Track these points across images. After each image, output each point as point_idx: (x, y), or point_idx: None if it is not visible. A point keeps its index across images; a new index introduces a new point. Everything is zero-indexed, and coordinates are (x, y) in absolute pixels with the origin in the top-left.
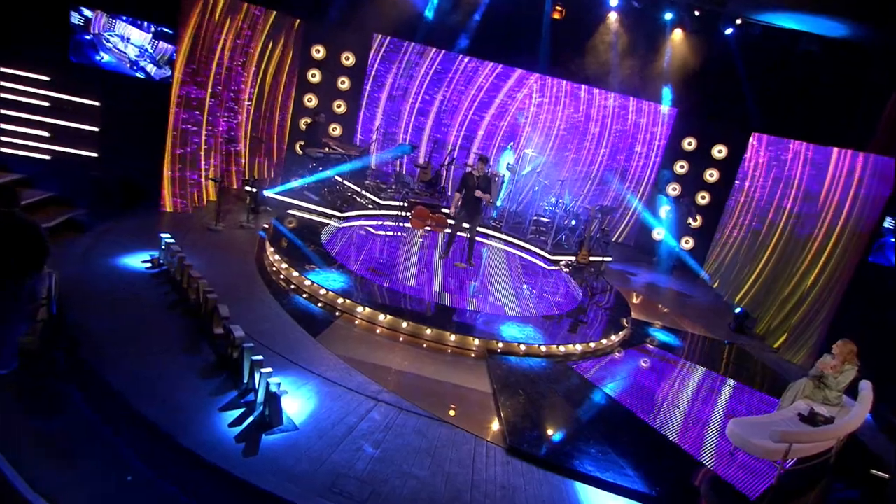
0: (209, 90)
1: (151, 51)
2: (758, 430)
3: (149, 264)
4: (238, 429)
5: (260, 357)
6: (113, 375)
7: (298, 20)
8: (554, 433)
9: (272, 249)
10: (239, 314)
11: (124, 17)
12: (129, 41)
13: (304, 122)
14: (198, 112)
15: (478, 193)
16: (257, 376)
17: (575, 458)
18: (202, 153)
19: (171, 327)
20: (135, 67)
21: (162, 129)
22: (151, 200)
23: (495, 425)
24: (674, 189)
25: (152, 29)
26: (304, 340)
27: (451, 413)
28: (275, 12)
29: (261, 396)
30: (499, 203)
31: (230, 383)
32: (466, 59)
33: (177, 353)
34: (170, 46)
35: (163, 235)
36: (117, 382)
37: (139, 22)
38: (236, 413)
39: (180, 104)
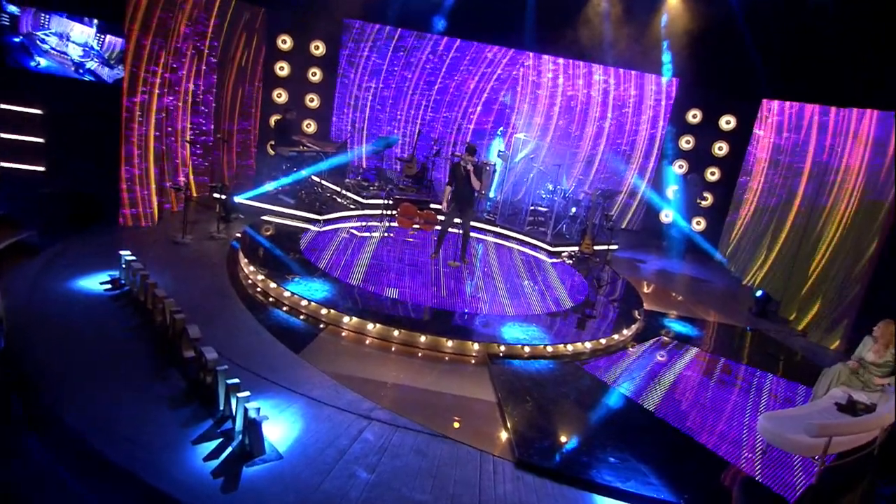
0: (164, 90)
1: (98, 47)
2: (792, 425)
3: (108, 286)
4: (215, 462)
5: (236, 380)
6: (70, 414)
7: (262, 10)
8: (567, 442)
9: (246, 260)
10: (212, 334)
11: (61, 13)
12: (69, 39)
13: (273, 120)
14: (156, 114)
15: (470, 168)
16: (234, 402)
17: (592, 467)
18: (164, 159)
19: (136, 354)
20: (81, 70)
21: (116, 136)
22: (109, 215)
23: (502, 437)
24: (680, 167)
25: (95, 21)
26: (286, 358)
27: (456, 426)
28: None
29: (239, 424)
30: (492, 194)
31: (204, 412)
32: (455, 42)
33: (142, 382)
34: (119, 39)
35: (123, 253)
36: (75, 421)
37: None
38: (212, 444)
39: (134, 106)
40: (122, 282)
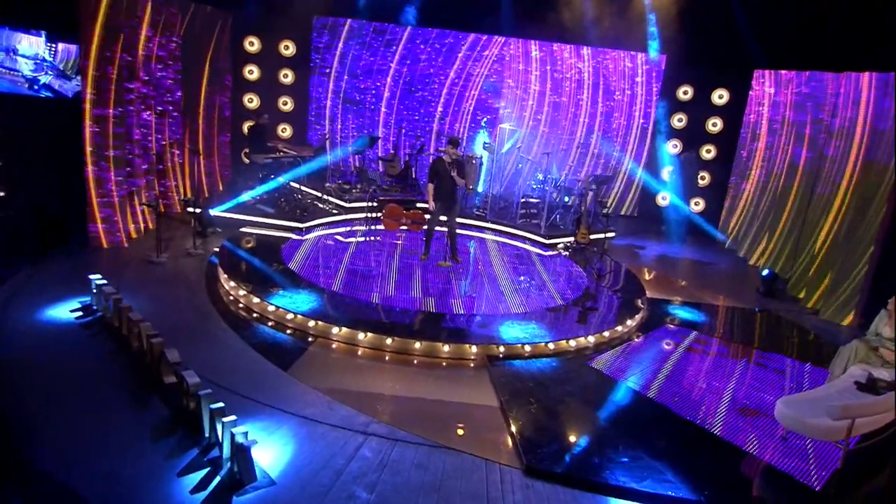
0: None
1: (51, 58)
2: (812, 408)
3: (79, 313)
4: (203, 494)
5: (221, 404)
6: (44, 455)
7: (226, 12)
8: (576, 443)
9: (226, 276)
10: (193, 356)
11: (1, 27)
12: (17, 53)
13: (246, 127)
14: (119, 127)
15: (453, 174)
16: (220, 427)
17: (605, 469)
18: (130, 175)
19: (113, 384)
20: (36, 87)
21: (80, 152)
22: (76, 237)
23: (508, 443)
24: (674, 146)
25: (44, 32)
26: (274, 376)
27: (459, 432)
28: (193, 4)
29: (226, 451)
30: (480, 189)
31: (189, 440)
32: (432, 33)
33: (122, 413)
34: (73, 46)
35: (93, 277)
36: (49, 463)
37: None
38: (199, 475)
39: (97, 120)
40: (94, 308)
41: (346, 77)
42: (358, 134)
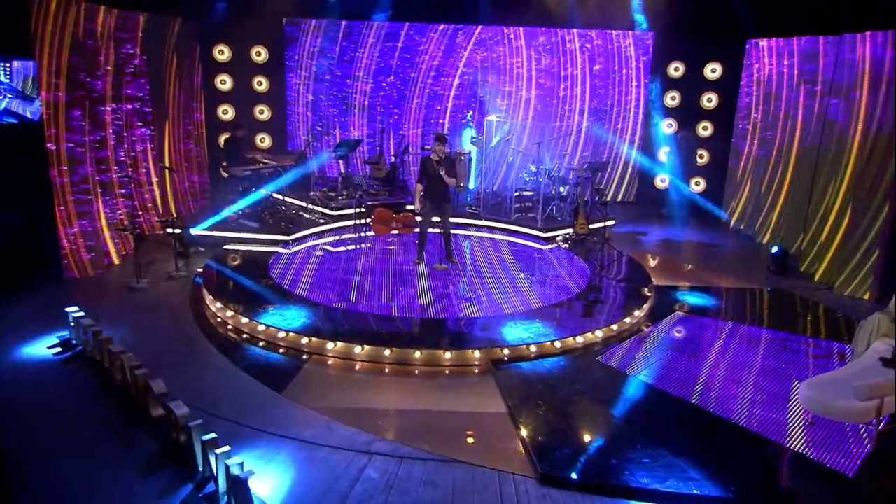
0: (94, 120)
1: (6, 79)
2: (837, 389)
3: (58, 349)
4: None
5: (213, 435)
6: (27, 501)
7: (192, 21)
8: (592, 445)
9: (211, 297)
10: (181, 385)
11: None
12: None
13: (222, 139)
14: (81, 149)
15: (442, 173)
16: (213, 460)
17: (624, 471)
18: (101, 198)
19: (97, 421)
20: None
21: (46, 177)
22: (49, 268)
23: (520, 451)
24: (669, 126)
25: None
26: (269, 399)
27: (469, 440)
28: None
29: (222, 485)
30: (471, 185)
31: (181, 476)
32: (405, 27)
33: (108, 451)
34: (30, 62)
35: (70, 310)
36: None
37: None
38: None
39: (59, 142)
40: (74, 342)
41: (323, 79)
42: (340, 138)
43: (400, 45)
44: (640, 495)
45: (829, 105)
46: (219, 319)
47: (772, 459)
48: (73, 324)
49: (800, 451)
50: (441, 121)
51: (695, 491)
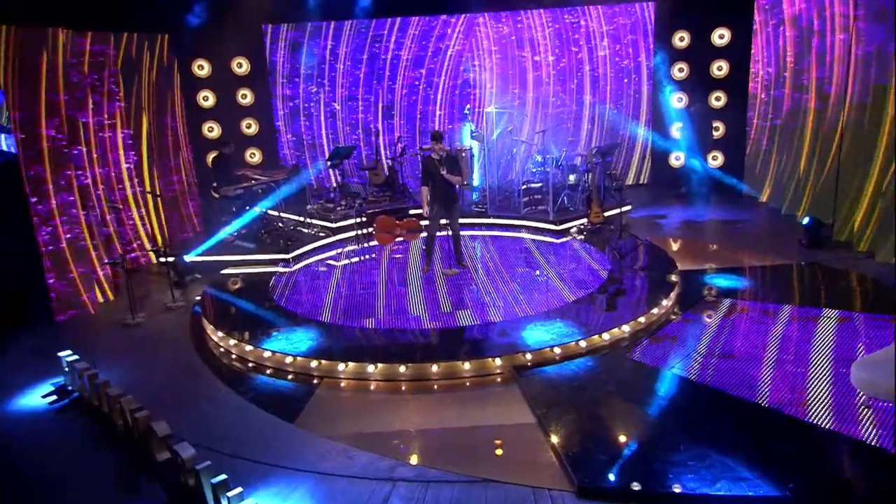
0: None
1: None
2: (890, 368)
3: (53, 397)
4: None
5: (223, 476)
6: None
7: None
8: (630, 451)
9: (212, 326)
10: (187, 424)
11: None
12: None
13: (209, 159)
14: (64, 180)
15: (443, 172)
16: (225, 503)
17: (669, 475)
18: (87, 231)
19: (100, 471)
20: None
21: (26, 213)
22: (37, 311)
23: (553, 463)
24: (679, 100)
25: None
26: (280, 430)
27: (498, 452)
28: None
29: None
30: (476, 182)
31: None
32: (389, 22)
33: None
34: None
35: (62, 354)
36: None
37: None
38: None
39: (37, 174)
40: (69, 388)
41: (309, 86)
42: (333, 146)
43: (384, 41)
44: (689, 501)
45: (860, 62)
46: (222, 349)
47: (830, 450)
48: (67, 369)
49: (860, 437)
50: (439, 113)
51: (749, 492)
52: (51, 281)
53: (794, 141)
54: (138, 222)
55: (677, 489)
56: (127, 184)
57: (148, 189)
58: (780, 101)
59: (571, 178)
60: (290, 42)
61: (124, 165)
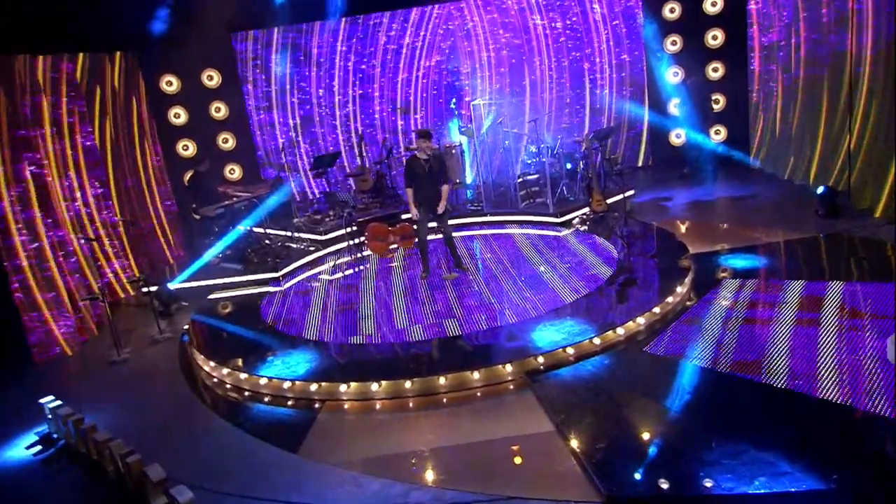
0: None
1: None
2: None
3: (38, 447)
4: None
5: None
6: None
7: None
8: (658, 452)
9: (203, 356)
10: (182, 464)
11: None
12: None
13: (186, 178)
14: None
15: (442, 189)
16: None
17: (702, 476)
18: (64, 266)
19: None
20: None
21: None
22: (13, 355)
23: (577, 473)
24: (675, 74)
25: None
26: (283, 462)
27: (517, 460)
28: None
29: None
30: (468, 180)
31: None
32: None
33: None
34: None
35: (45, 400)
36: None
37: None
38: None
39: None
40: (55, 436)
41: (285, 93)
42: (315, 154)
43: (360, 39)
44: (730, 502)
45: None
46: (215, 379)
47: (874, 435)
48: (50, 416)
49: None
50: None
51: (791, 488)
52: (26, 320)
53: (800, 105)
54: (108, 252)
55: (713, 490)
56: (95, 215)
57: (120, 217)
58: (783, 65)
59: (569, 165)
60: (261, 48)
61: (91, 195)
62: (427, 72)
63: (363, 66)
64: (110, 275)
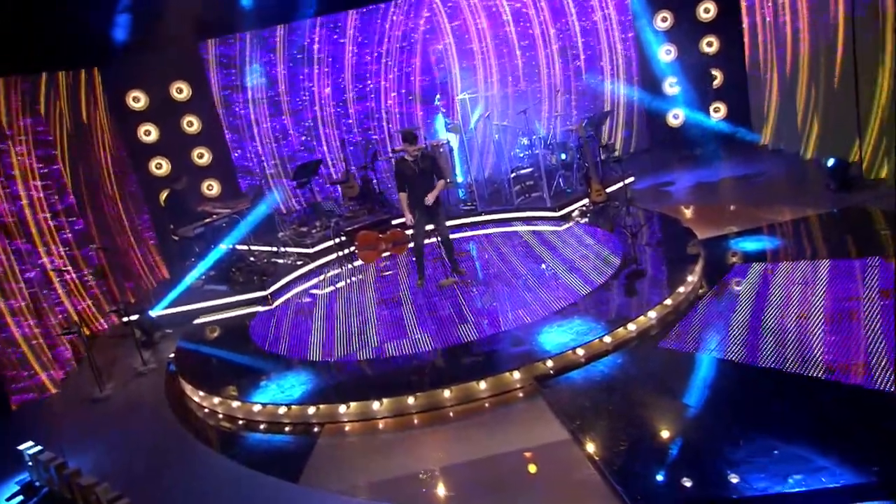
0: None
1: None
2: None
3: (19, 498)
4: None
5: None
6: None
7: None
8: (682, 454)
9: (191, 386)
10: (176, 502)
11: None
12: None
13: (162, 198)
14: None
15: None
16: None
17: (731, 477)
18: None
19: None
20: None
21: None
22: None
23: (597, 482)
24: (668, 52)
25: None
26: (283, 492)
27: (532, 469)
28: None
29: None
30: (459, 178)
31: None
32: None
33: None
34: None
35: (24, 447)
36: None
37: None
38: None
39: None
40: (37, 483)
41: (260, 101)
42: (296, 163)
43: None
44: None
45: None
46: (206, 410)
47: None
48: (31, 462)
49: None
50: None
51: (829, 484)
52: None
53: (800, 75)
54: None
55: (745, 491)
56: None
57: (94, 245)
58: (780, 32)
59: (564, 156)
60: (232, 55)
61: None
62: (408, 69)
63: (334, 70)
64: (85, 306)
